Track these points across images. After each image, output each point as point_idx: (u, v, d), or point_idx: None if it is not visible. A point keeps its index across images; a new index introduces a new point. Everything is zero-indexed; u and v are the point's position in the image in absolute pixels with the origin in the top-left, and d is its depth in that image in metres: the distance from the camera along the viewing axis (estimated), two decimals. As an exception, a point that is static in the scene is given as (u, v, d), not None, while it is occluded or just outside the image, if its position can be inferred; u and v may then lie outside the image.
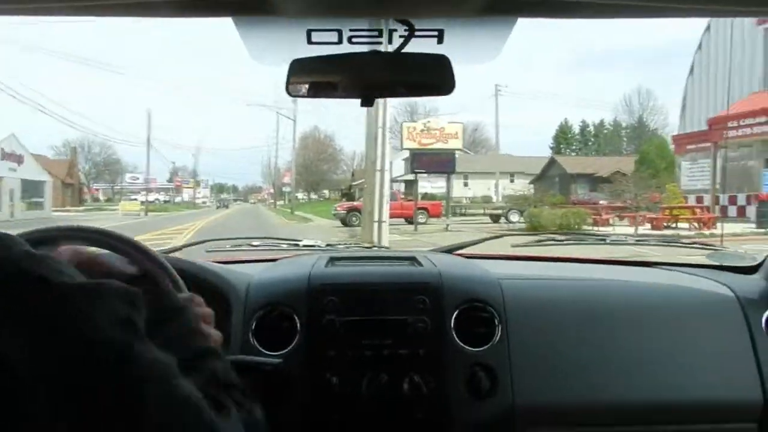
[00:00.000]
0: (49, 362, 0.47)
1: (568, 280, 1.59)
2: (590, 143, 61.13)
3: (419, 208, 21.33)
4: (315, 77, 1.07)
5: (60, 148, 57.27)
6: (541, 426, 1.37)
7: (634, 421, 1.38)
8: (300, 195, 61.35)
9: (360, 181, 28.50)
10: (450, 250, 1.82)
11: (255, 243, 1.97)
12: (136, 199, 46.98)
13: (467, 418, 1.32)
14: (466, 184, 39.70)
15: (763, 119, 17.49)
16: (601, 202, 22.95)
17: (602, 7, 0.83)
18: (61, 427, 0.46)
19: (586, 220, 17.54)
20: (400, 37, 0.98)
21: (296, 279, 1.40)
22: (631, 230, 15.51)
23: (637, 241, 2.64)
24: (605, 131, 60.86)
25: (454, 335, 1.34)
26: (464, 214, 27.22)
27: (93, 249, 0.88)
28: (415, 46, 0.99)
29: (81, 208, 45.59)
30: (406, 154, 22.04)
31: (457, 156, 21.29)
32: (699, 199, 20.56)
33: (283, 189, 56.20)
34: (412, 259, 1.56)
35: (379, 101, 9.54)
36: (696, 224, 16.64)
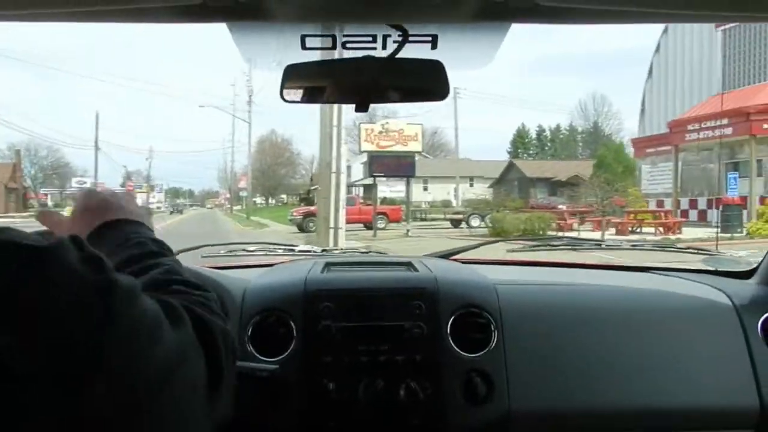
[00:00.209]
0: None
1: (564, 285, 1.59)
2: (547, 148, 61.58)
3: (378, 213, 20.87)
4: (309, 82, 1.08)
5: (4, 151, 54.65)
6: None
7: (629, 427, 1.38)
8: (258, 200, 60.54)
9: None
10: (446, 256, 1.83)
11: (251, 248, 1.99)
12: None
13: (463, 424, 1.32)
14: (426, 189, 39.53)
15: (724, 121, 17.48)
16: (560, 206, 22.90)
17: (593, 13, 0.85)
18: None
19: (550, 225, 17.40)
20: (394, 42, 0.99)
21: (292, 285, 1.41)
22: (595, 235, 15.29)
23: (632, 246, 2.63)
24: (561, 136, 61.48)
25: (451, 341, 1.34)
26: (425, 219, 27.19)
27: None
28: (409, 52, 1.00)
29: (25, 213, 43.70)
30: (365, 157, 21.49)
31: (416, 159, 20.97)
32: (660, 203, 20.54)
33: (240, 194, 55.46)
34: (408, 265, 1.56)
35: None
36: (661, 229, 16.56)
